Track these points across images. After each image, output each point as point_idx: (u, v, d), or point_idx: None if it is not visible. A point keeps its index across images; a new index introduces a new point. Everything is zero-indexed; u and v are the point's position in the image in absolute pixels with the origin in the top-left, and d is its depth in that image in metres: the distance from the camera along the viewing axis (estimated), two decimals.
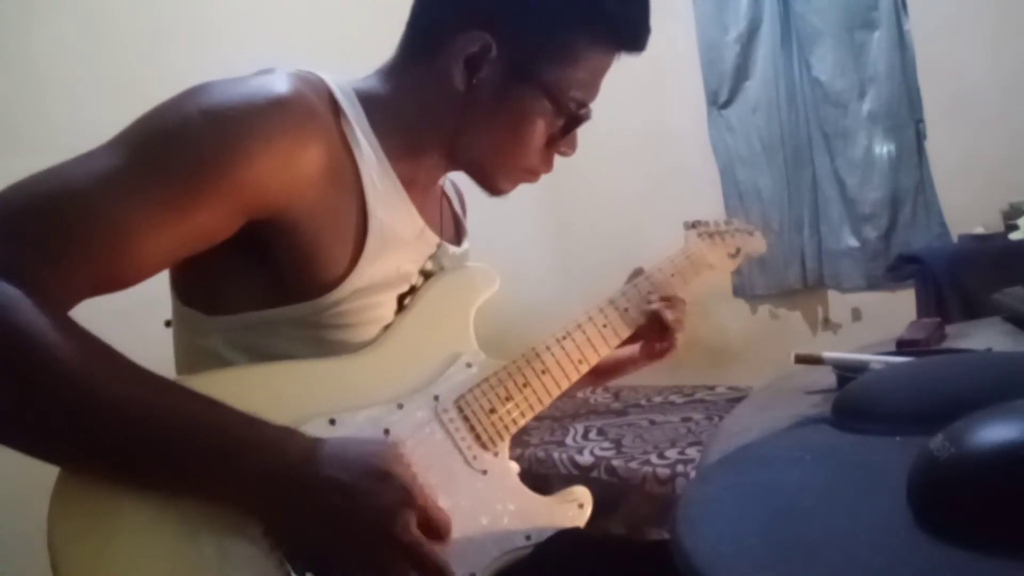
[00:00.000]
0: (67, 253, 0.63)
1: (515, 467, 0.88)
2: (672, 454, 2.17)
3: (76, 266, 0.63)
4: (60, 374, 0.59)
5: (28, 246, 0.61)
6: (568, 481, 2.07)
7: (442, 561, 0.68)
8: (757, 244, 1.28)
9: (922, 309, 2.11)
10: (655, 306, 1.02)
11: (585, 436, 2.44)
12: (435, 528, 0.70)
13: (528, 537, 0.82)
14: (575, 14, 0.80)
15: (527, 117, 0.82)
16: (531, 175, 0.89)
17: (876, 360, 0.92)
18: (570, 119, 0.84)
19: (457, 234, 1.00)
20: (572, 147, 0.89)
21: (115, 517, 0.64)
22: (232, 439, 0.65)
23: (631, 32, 0.84)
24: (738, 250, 1.22)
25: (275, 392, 0.73)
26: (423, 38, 0.83)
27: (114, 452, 0.63)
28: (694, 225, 1.17)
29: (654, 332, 1.04)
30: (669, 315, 1.01)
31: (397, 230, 0.81)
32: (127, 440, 0.62)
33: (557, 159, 0.89)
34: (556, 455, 2.33)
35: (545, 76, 0.81)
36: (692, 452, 2.15)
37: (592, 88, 0.85)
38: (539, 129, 0.83)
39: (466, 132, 0.83)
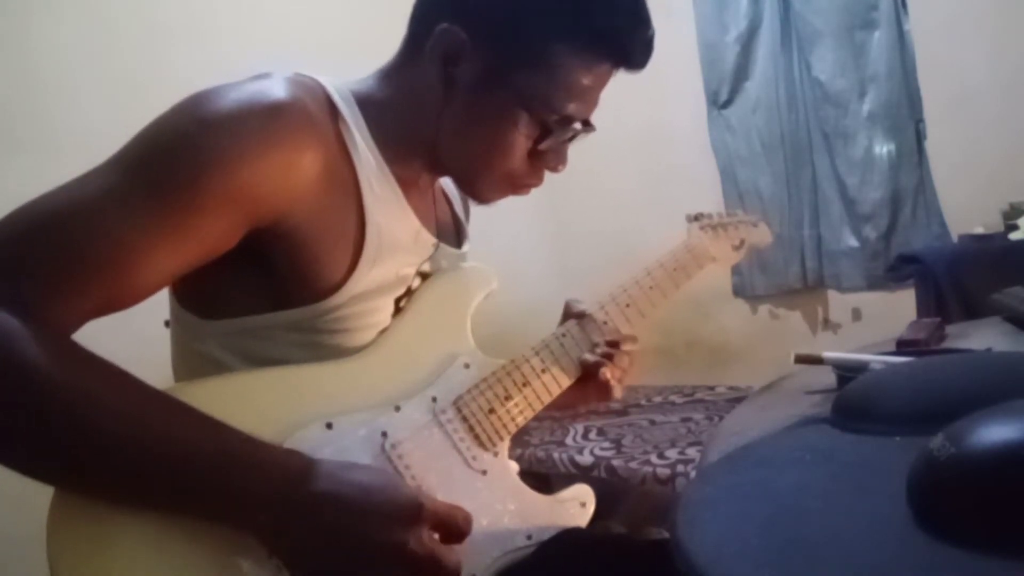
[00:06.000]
0: (68, 278, 0.62)
1: (515, 467, 0.88)
2: (672, 454, 2.17)
3: (78, 290, 0.63)
4: (58, 406, 0.59)
5: (28, 273, 0.61)
6: (568, 481, 2.06)
7: (458, 565, 0.68)
8: (762, 235, 1.23)
9: (922, 309, 2.11)
10: (592, 358, 0.93)
11: (585, 436, 2.44)
12: (453, 527, 0.70)
13: (529, 537, 0.82)
14: (554, 20, 0.77)
15: (501, 124, 0.79)
16: (517, 187, 0.86)
17: (876, 360, 0.92)
18: (545, 131, 0.80)
19: (457, 236, 0.99)
20: (560, 162, 0.85)
21: (115, 534, 0.64)
22: (235, 463, 0.64)
23: (619, 46, 0.80)
24: (742, 242, 1.19)
25: (271, 398, 0.73)
26: (413, 38, 0.82)
27: (114, 478, 0.62)
28: (697, 218, 1.14)
29: (592, 382, 0.93)
30: (606, 372, 0.92)
31: (395, 233, 0.81)
32: (127, 467, 0.62)
33: None
34: (556, 455, 2.33)
35: (520, 83, 0.77)
36: (692, 452, 2.15)
37: (579, 102, 0.80)
38: (515, 138, 0.80)
39: (446, 135, 0.81)
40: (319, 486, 0.66)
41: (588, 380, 0.94)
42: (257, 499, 0.64)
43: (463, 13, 0.77)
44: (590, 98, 0.82)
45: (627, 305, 0.99)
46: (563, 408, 1.01)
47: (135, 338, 1.02)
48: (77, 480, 0.63)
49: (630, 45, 0.80)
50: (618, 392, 0.95)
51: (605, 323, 0.97)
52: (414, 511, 0.67)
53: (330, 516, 0.65)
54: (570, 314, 0.99)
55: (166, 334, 0.84)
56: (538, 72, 0.78)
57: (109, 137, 0.70)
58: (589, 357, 0.93)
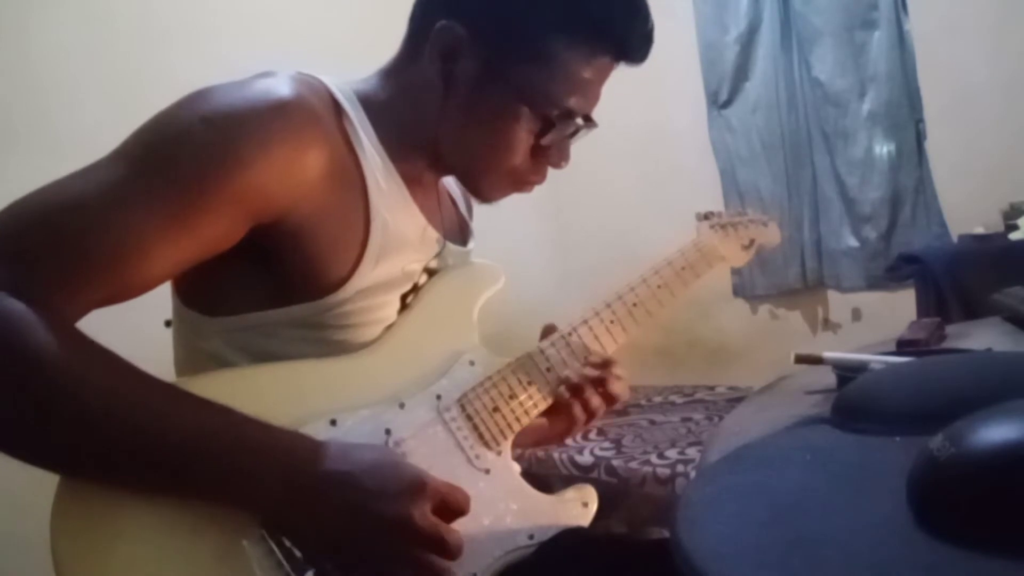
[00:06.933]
0: (72, 268, 0.63)
1: (517, 467, 0.88)
2: (672, 454, 2.17)
3: (82, 281, 0.63)
4: (70, 393, 0.60)
5: (33, 263, 0.62)
6: (568, 481, 2.07)
7: (460, 541, 0.69)
8: (772, 235, 1.22)
9: (922, 309, 2.11)
10: (570, 380, 0.89)
11: (585, 436, 2.43)
12: (454, 505, 0.71)
13: (531, 536, 0.82)
14: (552, 13, 0.77)
15: (502, 120, 0.79)
16: (520, 184, 0.85)
17: (876, 360, 0.92)
18: (547, 125, 0.80)
19: (463, 234, 0.99)
20: (562, 158, 0.84)
21: (117, 519, 0.65)
22: (244, 446, 0.65)
23: (617, 38, 0.80)
24: (752, 241, 1.18)
25: (275, 393, 0.74)
26: (413, 36, 0.82)
27: (123, 463, 0.63)
28: (706, 216, 1.13)
29: (563, 408, 0.91)
30: (592, 400, 0.90)
31: (401, 230, 0.81)
32: (136, 452, 0.63)
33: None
34: (556, 455, 2.33)
35: (520, 77, 0.77)
36: (692, 452, 2.15)
37: (580, 96, 0.80)
38: (517, 134, 0.80)
39: (448, 133, 0.81)
40: (326, 466, 0.67)
41: (558, 411, 0.91)
42: (266, 480, 0.65)
43: (461, 9, 0.77)
44: (591, 92, 0.82)
45: (634, 304, 0.98)
46: (535, 444, 1.00)
47: (134, 337, 1.01)
48: (85, 466, 0.63)
49: (628, 37, 0.81)
50: (578, 431, 0.95)
51: (612, 322, 0.95)
52: (418, 487, 0.68)
53: (338, 494, 0.66)
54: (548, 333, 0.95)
55: (166, 333, 0.84)
56: (537, 66, 0.78)
57: (109, 137, 0.70)
58: (564, 392, 0.89)
